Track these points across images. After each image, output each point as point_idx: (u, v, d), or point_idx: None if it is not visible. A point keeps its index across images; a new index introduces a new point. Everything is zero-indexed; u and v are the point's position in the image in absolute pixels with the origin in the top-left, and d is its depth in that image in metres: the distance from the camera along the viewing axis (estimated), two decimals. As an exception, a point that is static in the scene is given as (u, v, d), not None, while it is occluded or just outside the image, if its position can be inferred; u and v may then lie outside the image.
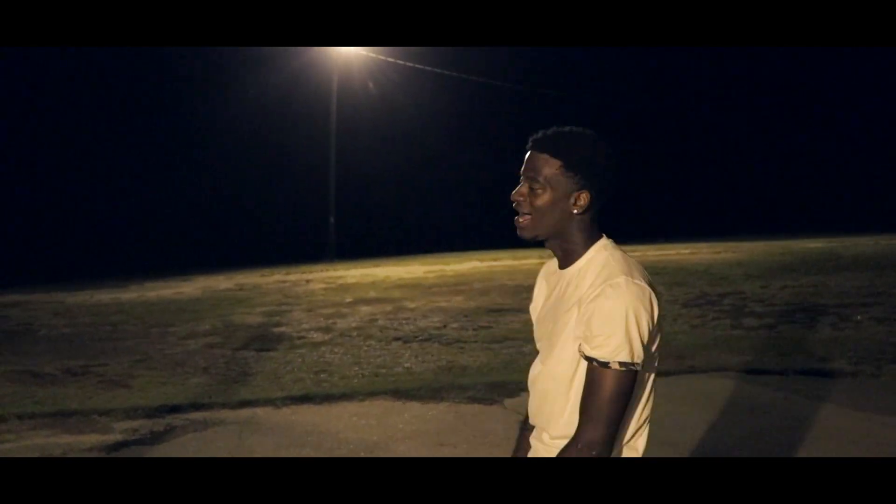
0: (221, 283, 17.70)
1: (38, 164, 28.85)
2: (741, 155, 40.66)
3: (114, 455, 5.09)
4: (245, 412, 6.02)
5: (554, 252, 1.99)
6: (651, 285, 1.84)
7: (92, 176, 29.07)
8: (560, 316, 1.92)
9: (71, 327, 11.56)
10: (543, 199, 1.89)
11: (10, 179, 27.81)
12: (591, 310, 1.81)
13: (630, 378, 1.79)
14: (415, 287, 14.64)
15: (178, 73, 29.56)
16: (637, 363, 1.78)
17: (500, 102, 34.16)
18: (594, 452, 1.75)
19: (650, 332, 1.81)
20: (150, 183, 29.71)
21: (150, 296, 15.48)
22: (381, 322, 10.58)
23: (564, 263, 1.97)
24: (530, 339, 8.26)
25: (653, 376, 1.92)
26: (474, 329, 9.63)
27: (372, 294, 13.92)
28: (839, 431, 4.90)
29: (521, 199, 1.92)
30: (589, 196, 1.89)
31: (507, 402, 5.92)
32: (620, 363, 1.76)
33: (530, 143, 1.92)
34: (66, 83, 29.55)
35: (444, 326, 9.95)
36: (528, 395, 2.08)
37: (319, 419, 5.76)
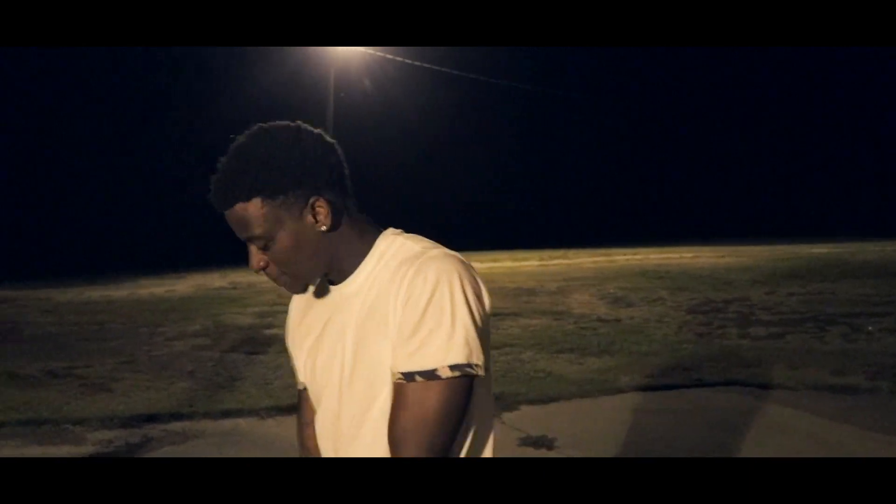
0: (216, 280, 17.37)
1: (35, 161, 28.61)
2: (745, 158, 40.41)
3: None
4: (227, 423, 5.71)
5: (332, 278, 1.47)
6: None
7: (91, 172, 28.85)
8: (359, 339, 1.38)
9: (57, 326, 11.23)
10: (282, 244, 1.39)
11: (4, 177, 27.55)
12: (400, 303, 1.30)
13: (467, 387, 1.28)
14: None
15: (174, 72, 29.34)
16: (476, 364, 1.28)
17: (501, 100, 33.95)
18: None
19: (484, 321, 1.32)
20: (148, 179, 29.49)
21: (141, 293, 15.16)
22: (375, 325, 10.26)
23: (342, 278, 1.45)
24: (530, 346, 7.80)
25: (489, 382, 1.39)
26: (472, 334, 9.30)
27: (368, 295, 13.60)
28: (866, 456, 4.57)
29: (265, 265, 1.43)
30: (324, 201, 1.37)
31: (505, 416, 5.58)
32: (453, 367, 1.25)
33: (215, 206, 1.42)
34: (64, 80, 29.35)
35: (441, 331, 9.62)
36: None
37: (305, 432, 5.43)
